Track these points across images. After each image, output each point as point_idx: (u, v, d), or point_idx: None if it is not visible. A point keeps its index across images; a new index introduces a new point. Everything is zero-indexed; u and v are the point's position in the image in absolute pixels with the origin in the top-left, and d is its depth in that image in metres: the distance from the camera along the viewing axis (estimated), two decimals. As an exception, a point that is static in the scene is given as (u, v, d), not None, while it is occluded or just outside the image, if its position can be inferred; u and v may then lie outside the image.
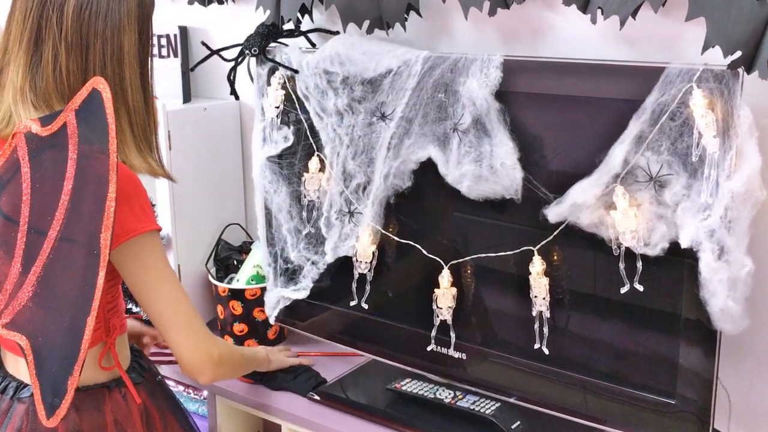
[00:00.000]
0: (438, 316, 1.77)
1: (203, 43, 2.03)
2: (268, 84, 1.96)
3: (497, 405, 1.79)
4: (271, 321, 2.08)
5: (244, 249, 2.30)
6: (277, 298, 2.04)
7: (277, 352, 2.02)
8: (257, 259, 2.17)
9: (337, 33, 1.94)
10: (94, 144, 1.39)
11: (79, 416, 1.58)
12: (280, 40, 1.99)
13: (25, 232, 1.43)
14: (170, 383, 2.09)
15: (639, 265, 1.53)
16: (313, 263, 1.97)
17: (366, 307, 1.88)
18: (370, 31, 1.86)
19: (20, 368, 1.62)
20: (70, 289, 1.39)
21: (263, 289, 2.10)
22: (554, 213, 1.59)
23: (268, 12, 1.96)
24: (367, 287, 1.87)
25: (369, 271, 1.86)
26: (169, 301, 1.55)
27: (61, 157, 1.41)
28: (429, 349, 1.81)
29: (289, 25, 1.98)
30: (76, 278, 1.39)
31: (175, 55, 2.29)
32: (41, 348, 1.41)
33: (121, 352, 1.65)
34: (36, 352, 1.42)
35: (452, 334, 1.77)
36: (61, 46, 1.49)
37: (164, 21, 2.28)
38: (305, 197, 1.95)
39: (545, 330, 1.66)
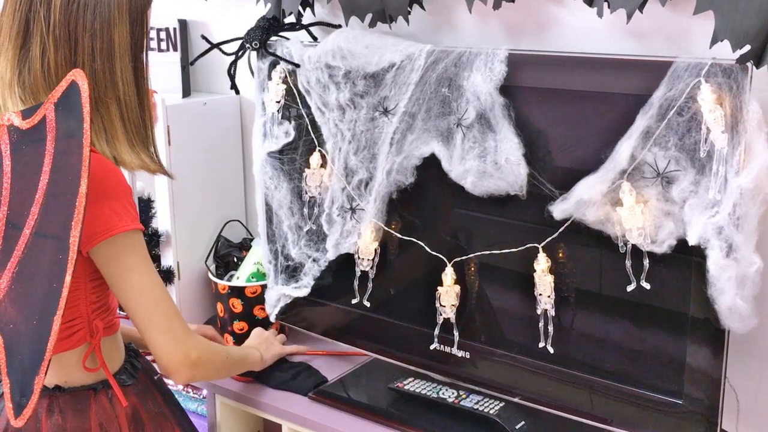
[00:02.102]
0: (441, 314, 1.76)
1: (203, 37, 2.02)
2: (269, 78, 1.95)
3: (501, 404, 1.78)
4: (272, 319, 2.07)
5: (245, 246, 2.29)
6: (277, 295, 2.03)
7: (273, 341, 2.00)
8: (257, 256, 2.16)
9: (339, 26, 1.93)
10: (71, 141, 1.37)
11: (62, 419, 1.56)
12: (281, 33, 1.98)
13: (2, 228, 1.42)
14: (169, 382, 2.08)
15: (646, 262, 1.52)
16: (314, 260, 1.96)
17: (368, 305, 1.87)
18: (372, 24, 1.86)
19: None
20: (41, 286, 1.37)
21: (264, 287, 2.09)
22: (559, 209, 1.58)
23: (269, 5, 1.97)
24: (369, 285, 1.86)
25: (371, 268, 1.85)
26: (149, 302, 1.52)
27: (40, 150, 1.40)
28: (432, 347, 1.79)
29: (290, 19, 1.98)
30: (47, 276, 1.37)
31: (175, 49, 2.29)
32: (13, 346, 1.39)
33: (109, 353, 1.62)
34: (8, 349, 1.40)
35: (455, 333, 1.76)
36: (49, 39, 1.48)
37: (163, 14, 2.26)
38: (306, 193, 1.94)
39: (550, 328, 1.64)
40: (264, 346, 1.95)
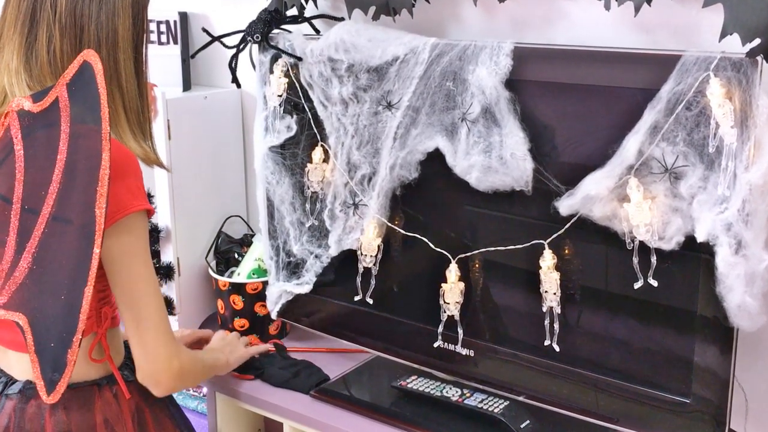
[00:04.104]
0: (445, 312, 1.74)
1: (204, 30, 2.01)
2: (271, 72, 1.94)
3: (506, 403, 1.76)
4: (273, 316, 2.06)
5: (246, 242, 2.28)
6: (279, 292, 2.01)
7: (236, 343, 1.97)
8: (259, 252, 2.14)
9: (342, 19, 1.91)
10: (86, 120, 1.40)
11: (67, 415, 1.56)
12: (283, 26, 1.97)
13: (18, 211, 1.44)
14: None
15: (653, 259, 1.50)
16: (316, 257, 1.94)
17: (371, 302, 1.86)
18: (376, 17, 1.85)
19: (11, 362, 1.61)
20: (66, 263, 1.40)
21: (265, 284, 2.08)
22: (566, 205, 1.56)
23: (270, -3, 1.95)
24: (372, 281, 1.84)
25: (374, 265, 1.83)
26: (143, 294, 1.53)
27: (54, 132, 1.42)
28: (435, 345, 1.78)
29: (292, 11, 1.97)
30: (72, 251, 1.39)
31: (175, 42, 2.28)
32: (40, 324, 1.42)
33: (113, 346, 1.62)
34: (35, 329, 1.42)
35: (460, 330, 1.74)
36: (55, 28, 1.51)
37: (164, 7, 2.25)
38: (308, 188, 1.92)
39: (556, 326, 1.63)
40: (228, 349, 1.92)
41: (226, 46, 1.99)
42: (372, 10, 1.84)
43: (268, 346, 2.04)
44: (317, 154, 1.90)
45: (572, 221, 1.57)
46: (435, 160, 1.71)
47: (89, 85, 1.41)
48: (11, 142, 1.46)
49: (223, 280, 2.13)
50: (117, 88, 1.54)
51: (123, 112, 1.55)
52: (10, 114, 1.47)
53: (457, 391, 1.81)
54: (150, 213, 1.55)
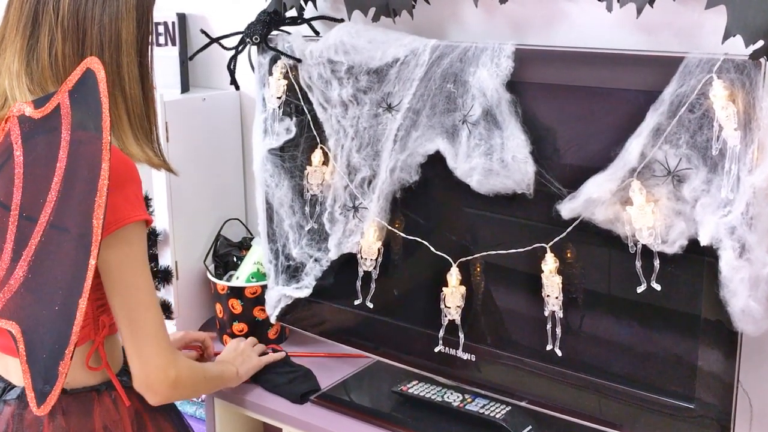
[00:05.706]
0: (446, 316, 1.73)
1: (202, 31, 2.00)
2: (270, 73, 1.93)
3: (508, 409, 1.76)
4: (272, 320, 2.05)
5: (244, 245, 2.27)
6: (278, 296, 2.01)
7: (249, 353, 1.95)
8: (258, 255, 2.14)
9: (342, 20, 1.91)
10: (87, 127, 1.39)
11: (66, 421, 1.54)
12: (282, 27, 1.96)
13: (16, 218, 1.43)
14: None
15: (656, 263, 1.49)
16: (315, 260, 1.94)
17: (371, 306, 1.85)
18: (376, 18, 1.85)
19: (9, 368, 1.60)
20: (61, 273, 1.38)
21: (264, 287, 2.07)
22: (568, 208, 1.55)
23: (269, -2, 1.94)
24: (372, 285, 1.83)
25: (374, 268, 1.82)
26: (140, 304, 1.51)
27: (55, 139, 1.41)
28: (436, 350, 1.77)
29: (291, 12, 1.97)
30: (68, 261, 1.38)
31: (173, 44, 2.28)
32: (32, 334, 1.40)
33: (111, 353, 1.61)
34: (27, 338, 1.41)
35: (461, 335, 1.74)
36: (57, 30, 1.50)
37: (162, 8, 2.23)
38: (308, 191, 1.92)
39: (558, 331, 1.62)
40: (240, 359, 1.91)
41: (225, 48, 1.98)
42: (372, 11, 1.84)
43: (282, 355, 2.01)
44: (317, 156, 1.89)
45: (574, 224, 1.56)
46: (436, 162, 1.70)
47: (92, 92, 1.40)
48: (11, 147, 1.45)
49: (222, 283, 2.12)
50: (120, 92, 1.53)
51: (126, 116, 1.54)
52: (10, 119, 1.46)
53: (458, 397, 1.81)
54: (148, 223, 1.53)
